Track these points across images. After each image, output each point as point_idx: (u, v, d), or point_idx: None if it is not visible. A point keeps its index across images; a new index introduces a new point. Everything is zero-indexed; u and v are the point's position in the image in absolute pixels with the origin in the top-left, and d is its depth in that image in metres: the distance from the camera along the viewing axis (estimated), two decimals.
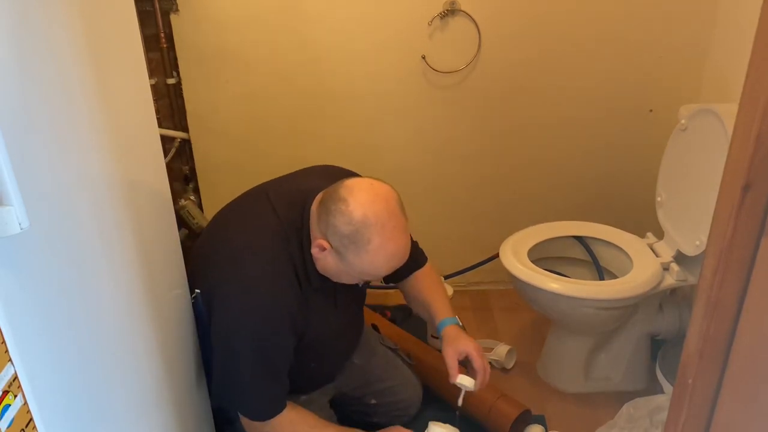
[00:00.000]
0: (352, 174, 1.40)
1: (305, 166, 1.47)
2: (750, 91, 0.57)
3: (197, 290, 1.31)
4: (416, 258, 1.55)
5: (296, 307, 1.27)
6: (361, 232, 1.17)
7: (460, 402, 1.43)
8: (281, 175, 1.46)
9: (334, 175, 1.35)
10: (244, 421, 1.34)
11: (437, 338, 1.51)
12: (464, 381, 1.38)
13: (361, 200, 1.17)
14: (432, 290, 1.54)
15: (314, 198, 1.27)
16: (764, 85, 0.56)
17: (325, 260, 1.25)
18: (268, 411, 1.31)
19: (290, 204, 1.30)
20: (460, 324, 1.48)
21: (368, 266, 1.21)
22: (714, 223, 0.63)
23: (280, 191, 1.35)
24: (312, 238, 1.25)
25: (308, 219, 1.27)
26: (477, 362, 1.40)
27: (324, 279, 1.30)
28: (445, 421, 1.40)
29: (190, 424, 1.30)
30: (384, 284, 1.59)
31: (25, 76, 0.71)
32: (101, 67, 0.92)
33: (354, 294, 1.48)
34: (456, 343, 1.41)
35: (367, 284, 1.50)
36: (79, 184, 0.84)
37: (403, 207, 1.24)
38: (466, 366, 1.44)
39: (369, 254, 1.19)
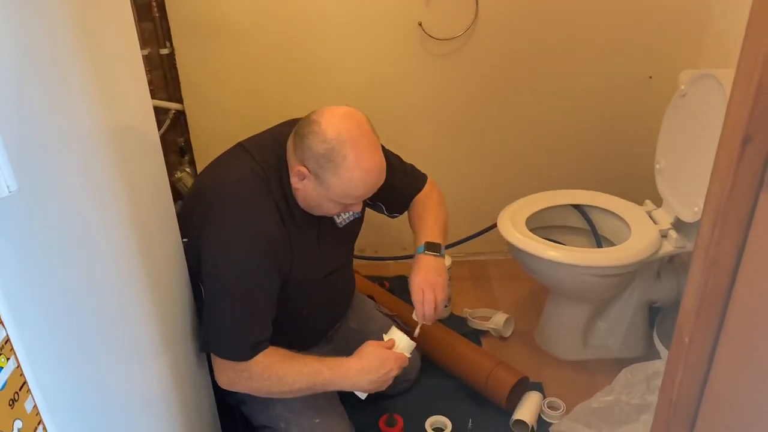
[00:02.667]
0: None
1: None
2: (751, 41, 0.56)
3: (184, 240, 1.32)
4: (414, 183, 1.58)
5: (279, 240, 1.29)
6: (336, 149, 1.21)
7: (416, 334, 1.46)
8: None
9: None
10: (220, 367, 1.31)
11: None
12: (415, 317, 1.45)
13: (332, 120, 1.23)
14: (422, 215, 1.54)
15: (289, 136, 1.32)
16: (765, 34, 0.54)
17: (305, 189, 1.28)
18: (245, 351, 1.27)
19: (265, 148, 1.36)
20: (424, 250, 1.45)
21: (347, 184, 1.24)
22: (713, 178, 0.62)
23: (254, 141, 1.40)
24: (291, 169, 1.29)
25: (284, 156, 1.31)
26: (422, 296, 1.40)
27: (306, 215, 1.34)
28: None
29: (188, 390, 1.30)
30: (389, 215, 1.61)
31: (14, 47, 0.70)
32: (92, 37, 0.90)
33: (338, 239, 1.48)
34: (411, 278, 1.43)
35: (350, 227, 1.51)
36: (71, 155, 0.83)
37: (374, 128, 1.28)
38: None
39: (346, 170, 1.22)
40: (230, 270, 1.25)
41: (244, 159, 1.34)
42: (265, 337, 1.30)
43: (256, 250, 1.26)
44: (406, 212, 1.61)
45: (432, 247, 1.46)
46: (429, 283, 1.41)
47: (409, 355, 1.41)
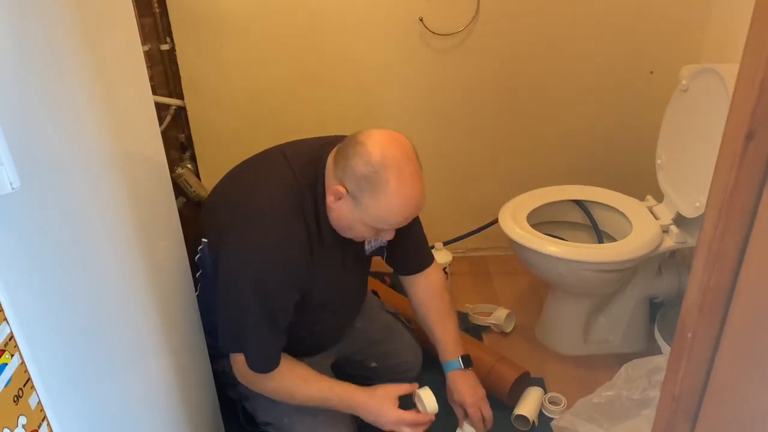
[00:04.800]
0: None
1: (304, 131, 1.46)
2: (754, 37, 0.56)
3: (204, 240, 1.32)
4: (426, 254, 1.59)
5: (302, 262, 1.27)
6: (378, 172, 1.17)
7: None
8: (287, 140, 1.47)
9: None
10: (239, 371, 1.35)
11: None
12: (466, 430, 1.51)
13: (379, 143, 1.19)
14: (440, 320, 1.55)
15: (330, 154, 1.28)
16: None
17: (340, 210, 1.25)
18: (264, 364, 1.31)
19: (306, 162, 1.31)
20: (462, 366, 1.53)
21: (384, 210, 1.21)
22: (716, 174, 0.62)
23: (297, 151, 1.35)
24: (327, 188, 1.26)
25: (323, 174, 1.27)
26: (471, 416, 1.49)
27: (335, 236, 1.31)
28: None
29: (190, 384, 1.30)
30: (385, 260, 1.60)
31: (15, 42, 0.69)
32: (92, 33, 0.90)
33: (361, 263, 1.49)
34: (455, 395, 1.51)
35: (374, 253, 1.51)
36: (72, 152, 0.83)
37: (418, 156, 1.24)
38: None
39: (386, 196, 1.19)
40: (249, 279, 1.25)
41: (283, 171, 1.31)
42: (280, 348, 1.33)
43: (277, 262, 1.25)
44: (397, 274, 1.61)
45: (467, 362, 1.53)
46: (482, 399, 1.51)
47: (431, 413, 1.38)
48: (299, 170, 1.30)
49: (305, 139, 1.43)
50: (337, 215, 1.27)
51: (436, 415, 1.38)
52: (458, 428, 1.53)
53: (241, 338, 1.30)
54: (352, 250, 1.40)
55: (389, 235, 1.31)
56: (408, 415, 1.34)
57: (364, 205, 1.21)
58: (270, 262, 1.24)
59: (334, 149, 1.27)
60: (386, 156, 1.18)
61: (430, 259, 1.59)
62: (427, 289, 1.57)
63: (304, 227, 1.27)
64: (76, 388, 0.80)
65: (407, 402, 1.40)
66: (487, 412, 1.51)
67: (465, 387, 1.51)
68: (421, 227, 1.57)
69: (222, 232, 1.29)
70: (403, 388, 1.37)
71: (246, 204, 1.30)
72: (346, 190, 1.21)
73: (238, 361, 1.33)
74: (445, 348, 1.54)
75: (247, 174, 1.38)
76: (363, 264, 1.52)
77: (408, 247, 1.54)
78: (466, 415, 1.51)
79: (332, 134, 1.47)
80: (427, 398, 1.38)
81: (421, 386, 1.41)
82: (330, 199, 1.25)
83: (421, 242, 1.58)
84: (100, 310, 0.90)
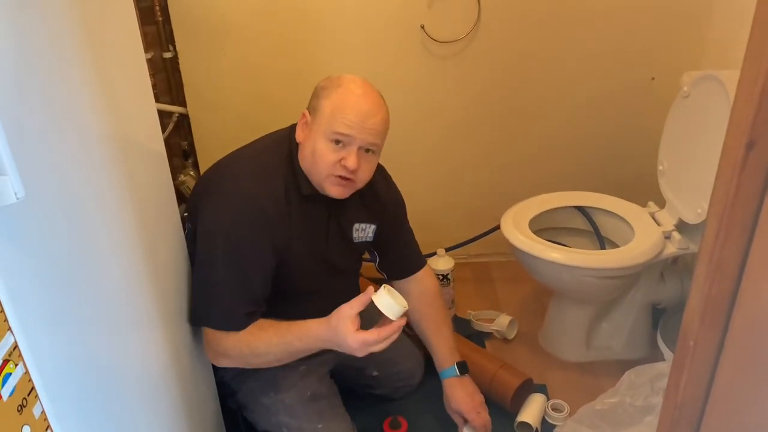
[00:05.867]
0: None
1: None
2: (755, 45, 0.56)
3: (186, 216, 1.37)
4: (417, 258, 1.60)
5: (275, 214, 1.29)
6: (334, 81, 1.30)
7: None
8: None
9: None
10: (207, 344, 1.31)
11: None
12: None
13: (340, 74, 1.33)
14: (438, 324, 1.56)
15: None
16: None
17: (306, 138, 1.31)
18: (228, 320, 1.27)
19: (281, 132, 1.42)
20: (458, 373, 1.53)
21: (336, 103, 1.26)
22: (717, 183, 0.62)
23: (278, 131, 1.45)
24: (296, 131, 1.35)
25: (295, 126, 1.36)
26: (472, 422, 1.50)
27: (312, 187, 1.33)
28: None
29: (194, 394, 1.30)
30: (378, 268, 1.61)
31: (19, 51, 0.70)
32: (96, 42, 0.91)
33: (347, 245, 1.47)
34: (452, 402, 1.52)
35: (361, 245, 1.50)
36: (76, 159, 0.84)
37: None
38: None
39: (338, 93, 1.27)
40: (221, 241, 1.27)
41: (262, 139, 1.41)
42: (250, 311, 1.29)
43: (246, 220, 1.27)
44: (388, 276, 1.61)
45: (463, 368, 1.54)
46: (481, 405, 1.52)
47: (394, 318, 1.19)
48: (278, 135, 1.40)
49: None
50: (302, 148, 1.32)
51: (406, 314, 1.21)
52: None
53: (209, 296, 1.27)
54: (336, 223, 1.42)
55: (351, 160, 1.25)
56: (370, 335, 1.19)
57: (320, 110, 1.28)
58: (241, 212, 1.27)
59: None
60: (343, 76, 1.31)
61: (422, 262, 1.60)
62: (420, 297, 1.57)
63: (281, 178, 1.32)
64: (79, 398, 0.81)
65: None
66: (486, 418, 1.51)
67: (462, 394, 1.51)
68: (411, 230, 1.59)
69: (201, 194, 1.35)
70: (357, 303, 1.21)
71: (222, 172, 1.36)
72: (309, 111, 1.31)
73: (208, 333, 1.30)
74: (440, 356, 1.55)
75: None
76: (349, 247, 1.49)
77: (398, 246, 1.56)
78: (466, 422, 1.50)
79: None
80: (387, 301, 1.18)
81: (391, 315, 1.20)
82: (298, 132, 1.33)
83: (411, 243, 1.59)
84: (104, 319, 0.90)
